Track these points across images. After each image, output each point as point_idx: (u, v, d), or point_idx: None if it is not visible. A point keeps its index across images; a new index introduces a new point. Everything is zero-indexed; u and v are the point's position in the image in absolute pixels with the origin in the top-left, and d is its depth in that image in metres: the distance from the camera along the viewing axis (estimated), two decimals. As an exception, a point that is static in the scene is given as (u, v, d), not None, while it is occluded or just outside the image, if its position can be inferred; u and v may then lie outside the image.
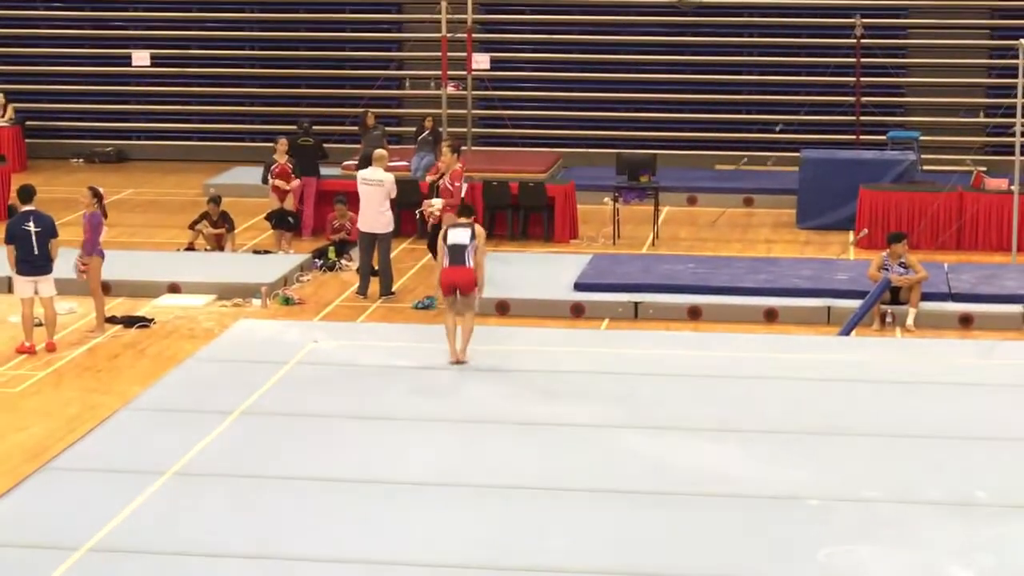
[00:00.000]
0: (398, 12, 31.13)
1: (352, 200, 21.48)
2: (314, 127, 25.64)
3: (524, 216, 23.24)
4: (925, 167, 26.10)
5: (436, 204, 19.22)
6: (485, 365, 15.22)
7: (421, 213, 19.59)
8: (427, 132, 26.00)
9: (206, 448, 12.75)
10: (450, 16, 27.10)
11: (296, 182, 22.51)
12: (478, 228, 15.58)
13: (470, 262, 15.34)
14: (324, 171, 24.06)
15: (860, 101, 27.62)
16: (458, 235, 15.44)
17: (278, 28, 31.13)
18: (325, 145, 24.61)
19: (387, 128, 27.38)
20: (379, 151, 20.35)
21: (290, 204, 22.44)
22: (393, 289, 19.68)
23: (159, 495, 11.72)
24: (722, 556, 10.75)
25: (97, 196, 17.56)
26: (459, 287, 15.30)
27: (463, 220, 15.74)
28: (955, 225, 22.34)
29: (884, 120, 28.56)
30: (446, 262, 15.41)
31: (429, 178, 20.08)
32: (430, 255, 20.25)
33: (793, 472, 12.25)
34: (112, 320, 17.95)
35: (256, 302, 19.14)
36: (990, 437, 13.23)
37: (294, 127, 26.49)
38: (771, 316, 18.34)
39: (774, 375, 15.00)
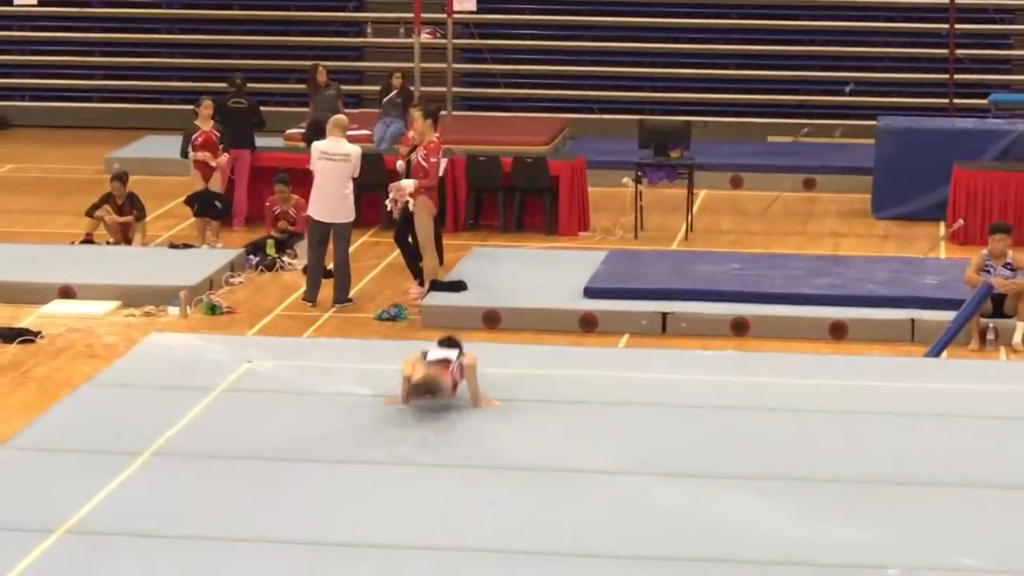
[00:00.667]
0: (358, -63, 31.19)
1: (297, 180, 21.52)
2: (248, 84, 25.68)
3: (520, 201, 23.28)
4: (1037, 140, 26.18)
5: (407, 186, 19.25)
6: (469, 394, 15.19)
7: (394, 200, 19.61)
8: (395, 92, 26.07)
9: (108, 499, 12.76)
10: (425, -58, 27.15)
11: (225, 156, 22.55)
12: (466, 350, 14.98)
13: (455, 373, 14.61)
14: (261, 142, 24.11)
15: (954, 55, 27.68)
16: (441, 352, 14.83)
17: (203, -43, 31.16)
18: (262, 108, 24.65)
19: (343, 87, 27.42)
20: (338, 116, 20.42)
21: (217, 184, 22.47)
22: (351, 295, 19.72)
23: (48, 558, 11.72)
24: (774, 641, 10.79)
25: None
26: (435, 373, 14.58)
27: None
28: (1076, 215, 22.43)
29: (985, 80, 28.62)
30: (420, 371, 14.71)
31: (400, 162, 20.07)
32: (399, 251, 20.31)
33: (866, 533, 12.28)
34: (-13, 333, 18.00)
35: (173, 310, 19.16)
36: (1120, 489, 13.26)
37: (223, 84, 26.53)
38: (838, 331, 18.40)
39: (841, 408, 15.02)
